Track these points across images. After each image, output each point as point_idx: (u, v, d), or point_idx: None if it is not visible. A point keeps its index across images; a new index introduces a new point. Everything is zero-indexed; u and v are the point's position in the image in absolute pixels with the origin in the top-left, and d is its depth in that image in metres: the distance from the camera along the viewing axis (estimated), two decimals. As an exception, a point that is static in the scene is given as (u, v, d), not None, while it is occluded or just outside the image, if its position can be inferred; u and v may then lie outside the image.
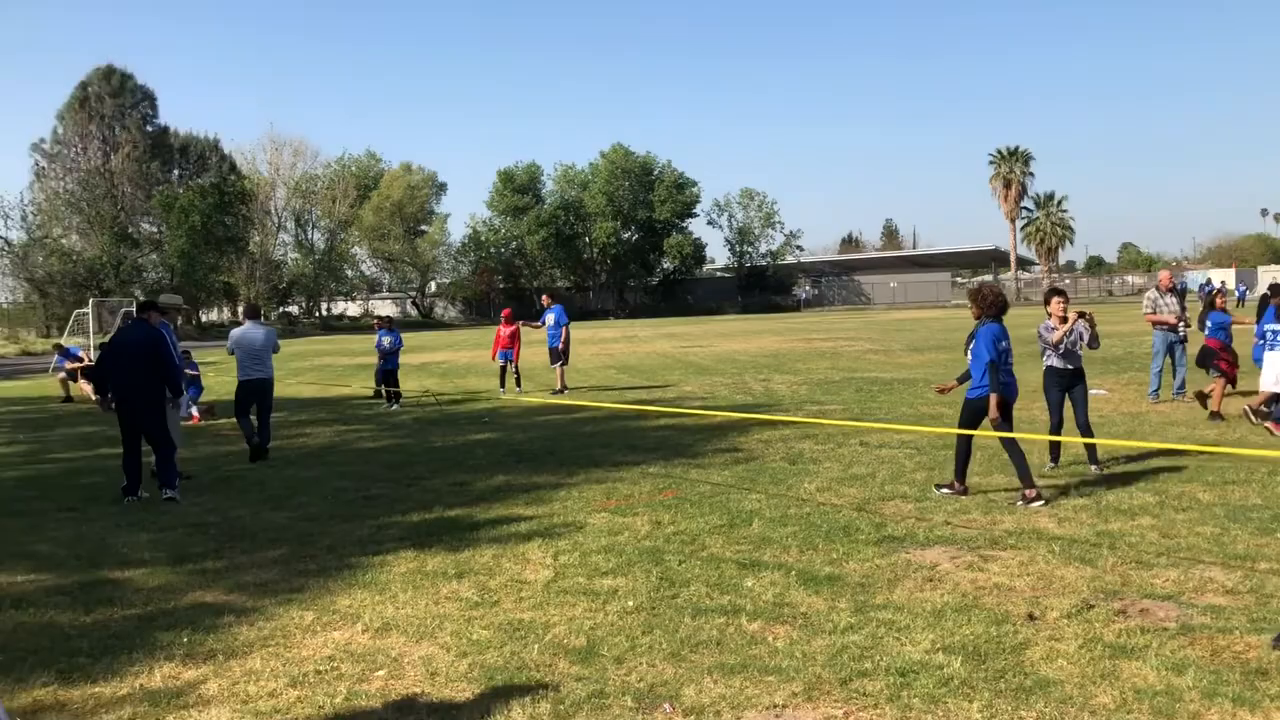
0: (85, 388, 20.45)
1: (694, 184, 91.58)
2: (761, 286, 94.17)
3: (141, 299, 62.90)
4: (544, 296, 22.35)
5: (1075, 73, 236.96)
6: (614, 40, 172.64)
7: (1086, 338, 9.82)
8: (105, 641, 5.67)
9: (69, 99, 67.77)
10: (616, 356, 31.24)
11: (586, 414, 15.32)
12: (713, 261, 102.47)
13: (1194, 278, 75.72)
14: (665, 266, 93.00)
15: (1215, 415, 12.68)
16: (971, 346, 8.88)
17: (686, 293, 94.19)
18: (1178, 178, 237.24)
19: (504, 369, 19.54)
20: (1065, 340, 9.73)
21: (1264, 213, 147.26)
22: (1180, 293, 15.29)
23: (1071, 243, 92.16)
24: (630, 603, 6.08)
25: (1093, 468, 9.74)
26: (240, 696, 4.82)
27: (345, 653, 5.41)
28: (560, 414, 15.71)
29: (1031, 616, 5.60)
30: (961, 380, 9.12)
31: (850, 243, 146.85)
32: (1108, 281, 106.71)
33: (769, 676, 4.86)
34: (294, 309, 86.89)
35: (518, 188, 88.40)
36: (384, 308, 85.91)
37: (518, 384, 19.72)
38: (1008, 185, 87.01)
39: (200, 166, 73.40)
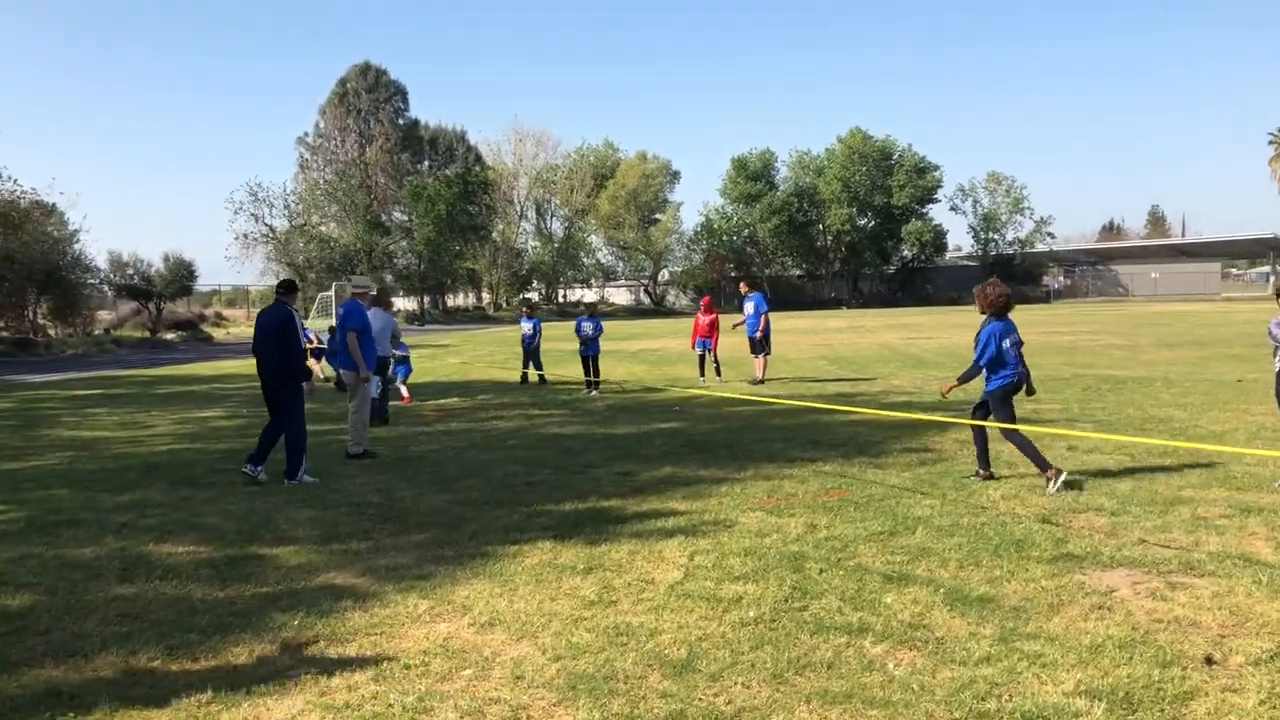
0: (314, 367, 21.64)
1: (936, 168, 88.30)
2: (1008, 276, 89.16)
3: (388, 282, 67.16)
4: (742, 284, 21.87)
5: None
6: (852, 23, 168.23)
7: None
8: (224, 618, 5.74)
9: (329, 95, 72.57)
10: (834, 348, 30.35)
11: (779, 407, 14.78)
12: (956, 249, 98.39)
13: None
14: (903, 254, 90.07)
15: None
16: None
17: (926, 282, 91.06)
18: None
19: (702, 358, 19.24)
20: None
21: None
22: None
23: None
24: (751, 612, 5.62)
25: None
26: (320, 687, 4.71)
27: (442, 648, 5.22)
28: (751, 406, 15.25)
29: (1210, 660, 4.76)
30: (963, 380, 9.18)
31: (1110, 230, 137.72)
32: None
33: (873, 710, 4.31)
34: (534, 295, 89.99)
35: (751, 174, 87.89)
36: (618, 295, 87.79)
37: (717, 373, 19.36)
38: (1291, 167, 79.08)
39: (448, 157, 76.91)
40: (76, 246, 42.16)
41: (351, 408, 11.51)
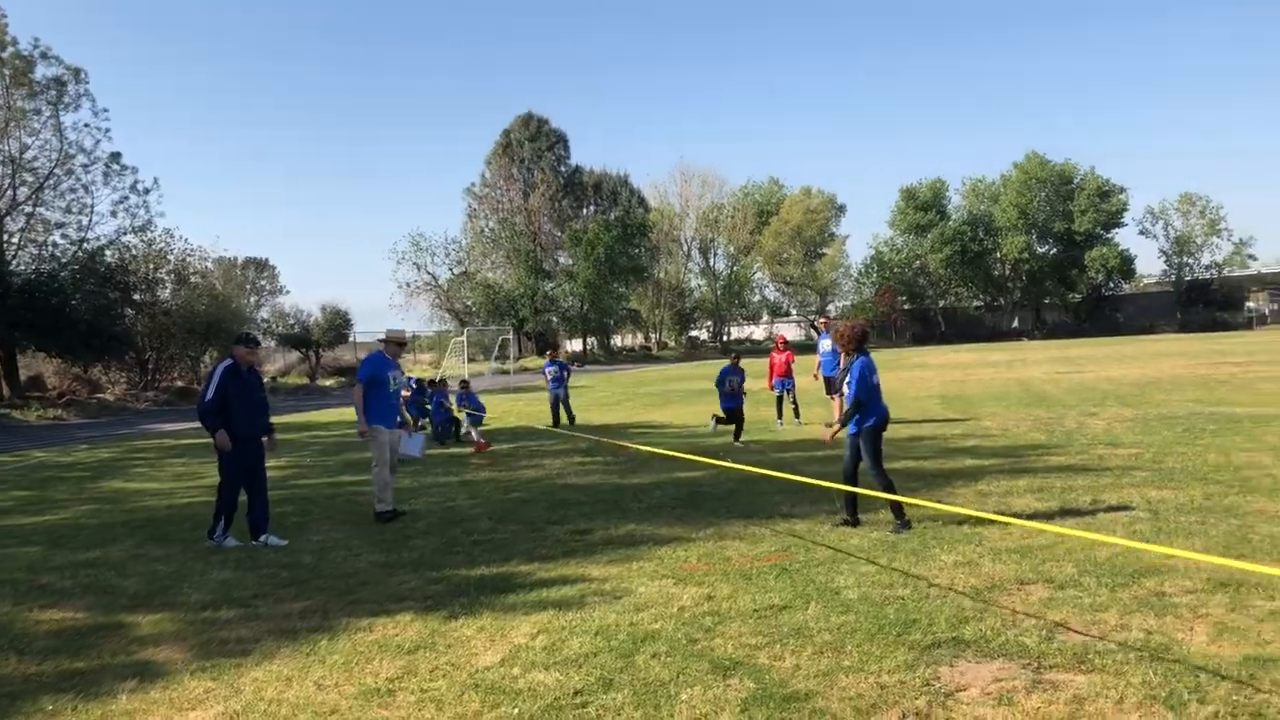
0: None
1: (1121, 190, 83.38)
2: (1205, 301, 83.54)
3: (553, 324, 68.34)
4: (820, 318, 20.83)
5: None
6: (1021, 41, 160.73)
7: None
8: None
9: (494, 146, 74.69)
10: (965, 384, 28.62)
11: (830, 453, 13.83)
12: (1148, 275, 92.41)
13: None
14: (1089, 281, 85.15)
15: None
16: (847, 381, 9.02)
17: (1114, 310, 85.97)
18: None
19: (780, 399, 18.35)
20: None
21: None
22: None
23: None
24: (516, 709, 5.01)
25: None
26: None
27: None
28: (802, 450, 14.30)
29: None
30: (844, 421, 9.07)
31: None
32: None
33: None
34: (701, 333, 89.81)
35: (920, 204, 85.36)
36: (786, 329, 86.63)
37: (795, 414, 18.44)
38: None
39: (612, 200, 77.76)
40: (280, 299, 44.56)
41: (373, 465, 10.92)
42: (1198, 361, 33.78)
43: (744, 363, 17.35)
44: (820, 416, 19.05)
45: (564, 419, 20.64)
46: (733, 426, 16.09)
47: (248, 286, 67.38)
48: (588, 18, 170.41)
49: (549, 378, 20.96)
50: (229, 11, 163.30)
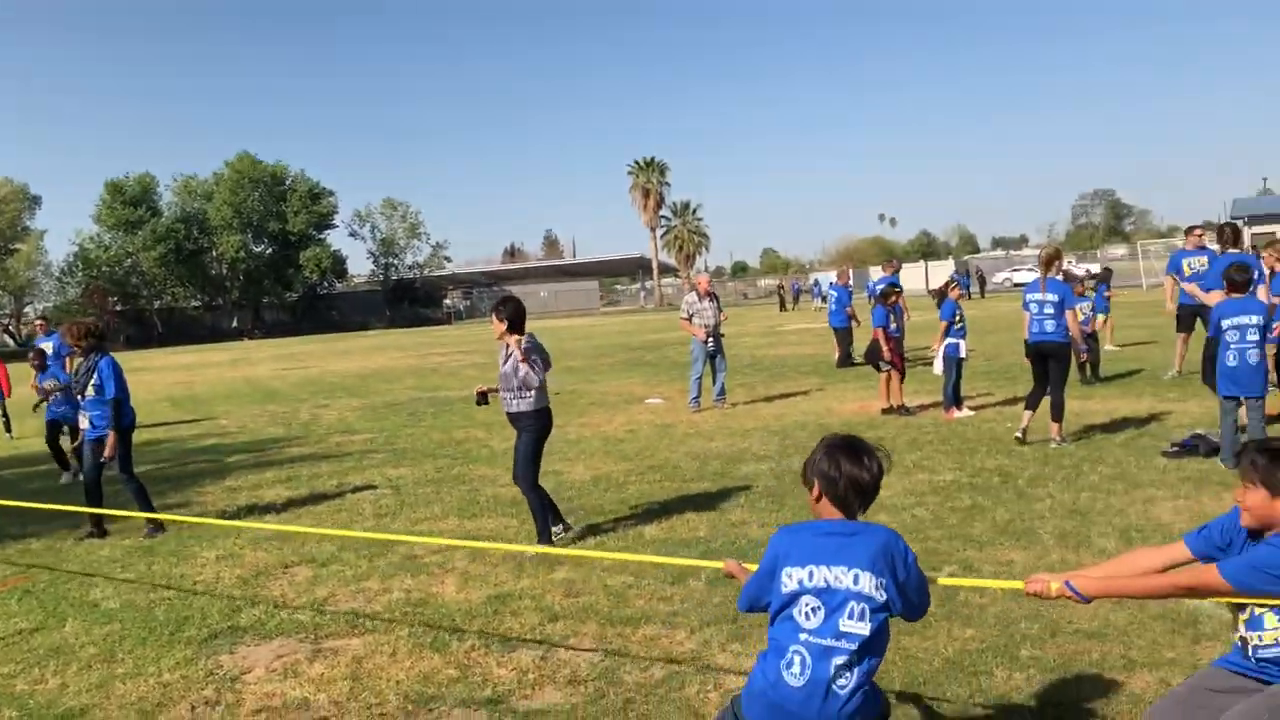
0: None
1: (330, 193, 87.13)
2: (411, 299, 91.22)
3: None
4: (38, 321, 19.01)
5: (713, 90, 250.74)
6: (234, 47, 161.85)
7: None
8: None
9: None
10: (193, 385, 27.91)
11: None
12: (360, 276, 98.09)
13: (824, 279, 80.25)
14: (305, 281, 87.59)
15: (902, 409, 12.52)
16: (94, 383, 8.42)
17: (330, 308, 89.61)
18: (808, 187, 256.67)
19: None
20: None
21: (881, 217, 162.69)
22: (716, 297, 14.72)
23: (708, 249, 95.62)
24: None
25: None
26: None
27: None
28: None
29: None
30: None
31: (511, 253, 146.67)
32: (749, 285, 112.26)
33: None
34: None
35: (129, 200, 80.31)
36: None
37: (7, 428, 16.52)
38: (646, 195, 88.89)
39: None
40: None
41: None
42: (408, 353, 36.92)
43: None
44: None
45: None
46: None
47: None
48: None
49: None
50: None
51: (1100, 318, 16.52)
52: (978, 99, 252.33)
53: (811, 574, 2.93)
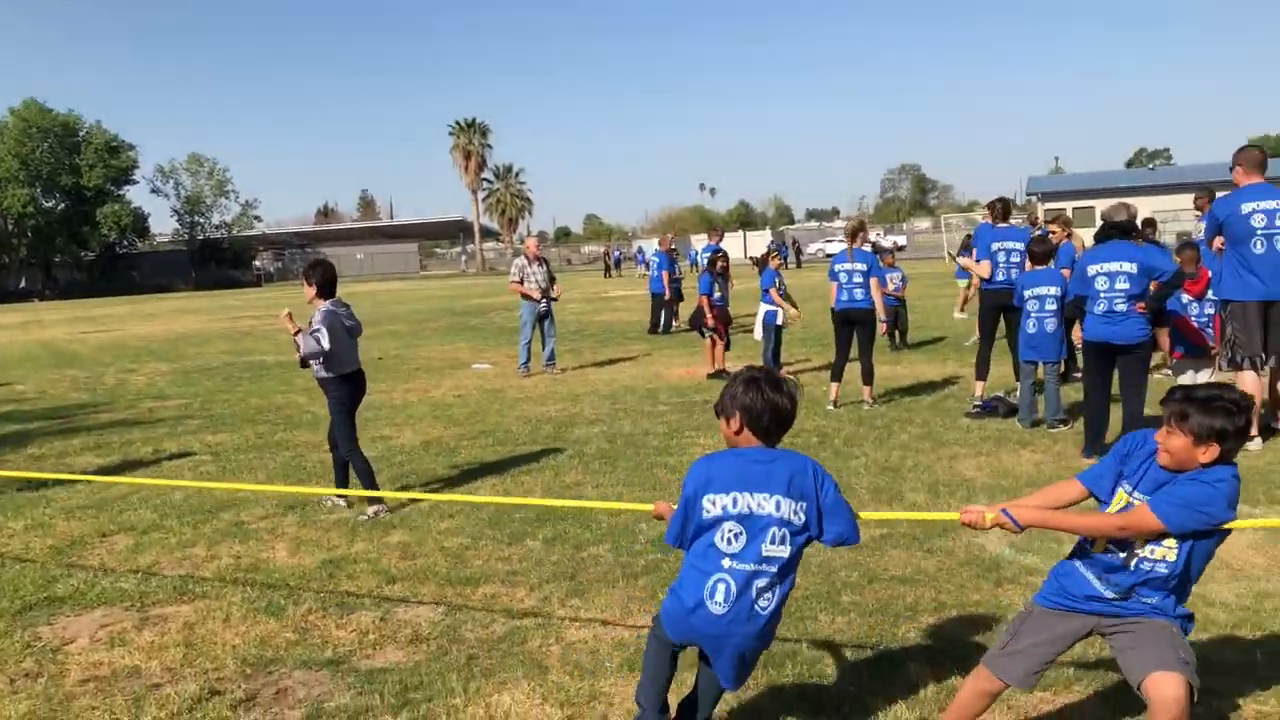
0: None
1: (131, 147, 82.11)
2: (218, 260, 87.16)
3: None
4: None
5: (539, 51, 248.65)
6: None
7: None
8: None
9: None
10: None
11: None
12: (164, 235, 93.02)
13: (648, 246, 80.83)
14: (103, 239, 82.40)
15: (724, 373, 12.62)
16: None
17: (130, 268, 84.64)
18: (631, 155, 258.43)
19: None
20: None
21: (701, 187, 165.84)
22: (546, 262, 14.79)
23: (531, 214, 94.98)
24: None
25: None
26: None
27: None
28: None
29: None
30: None
31: (325, 214, 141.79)
32: (573, 251, 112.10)
33: None
34: None
35: (-103, 147, 73.78)
36: None
37: None
38: (468, 156, 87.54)
39: None
40: None
41: None
42: (217, 316, 35.44)
43: None
44: None
45: None
46: None
47: None
48: None
49: None
50: None
51: (962, 284, 18.85)
52: (797, 74, 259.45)
53: (735, 500, 3.13)
